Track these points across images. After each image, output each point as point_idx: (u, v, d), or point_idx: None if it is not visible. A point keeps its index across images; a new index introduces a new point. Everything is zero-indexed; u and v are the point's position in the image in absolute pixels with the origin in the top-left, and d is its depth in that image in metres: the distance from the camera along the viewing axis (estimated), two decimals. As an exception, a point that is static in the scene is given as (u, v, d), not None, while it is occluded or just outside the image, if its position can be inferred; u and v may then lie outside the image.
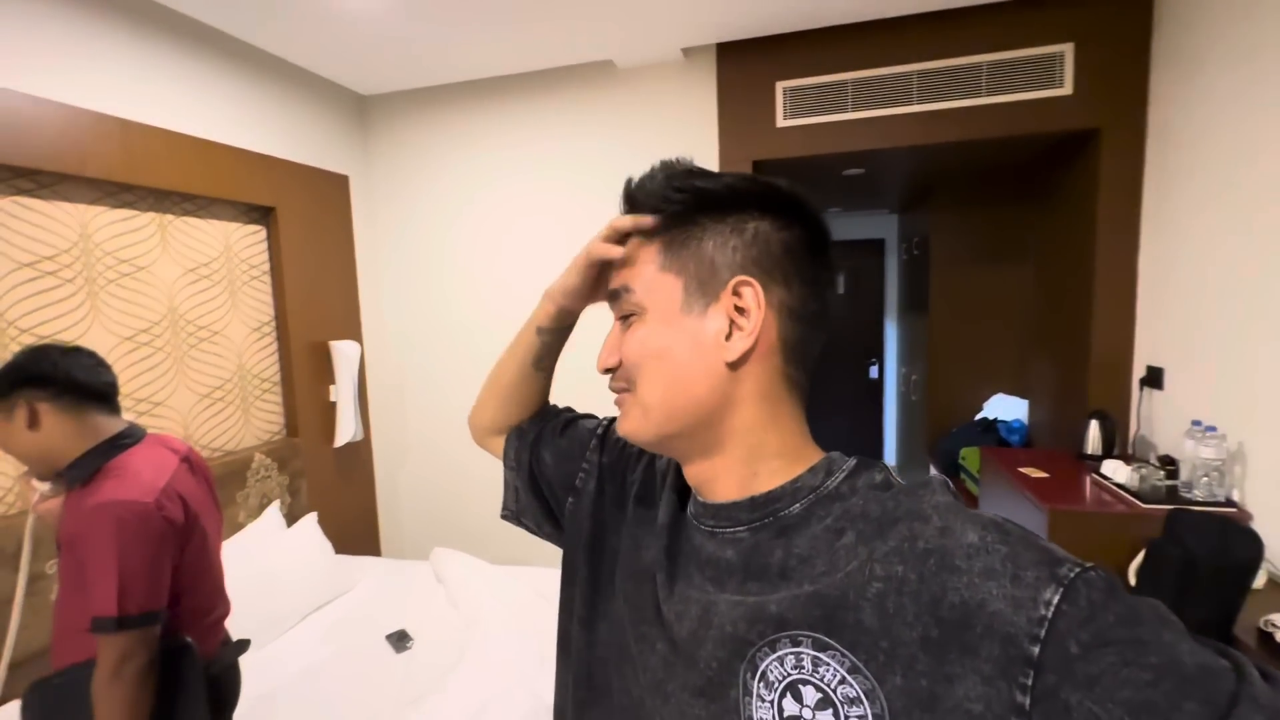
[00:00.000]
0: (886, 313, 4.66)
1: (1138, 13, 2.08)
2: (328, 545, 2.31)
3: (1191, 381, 1.90)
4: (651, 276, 0.49)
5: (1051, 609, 0.35)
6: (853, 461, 0.48)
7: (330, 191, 2.69)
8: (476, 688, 1.56)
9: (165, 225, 2.05)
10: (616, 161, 2.64)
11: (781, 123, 2.43)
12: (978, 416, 3.16)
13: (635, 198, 0.52)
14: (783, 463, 0.48)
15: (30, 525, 1.20)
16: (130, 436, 1.15)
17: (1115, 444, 2.11)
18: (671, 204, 0.49)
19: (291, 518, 2.37)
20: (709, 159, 2.52)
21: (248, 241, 2.36)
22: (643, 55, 2.51)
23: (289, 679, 1.71)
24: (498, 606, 1.91)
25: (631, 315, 0.50)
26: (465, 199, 2.86)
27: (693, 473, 0.51)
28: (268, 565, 2.01)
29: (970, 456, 2.74)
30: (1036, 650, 0.34)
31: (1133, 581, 1.64)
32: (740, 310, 0.47)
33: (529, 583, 2.13)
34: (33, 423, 1.06)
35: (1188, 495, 1.72)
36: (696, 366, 0.47)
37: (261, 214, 2.41)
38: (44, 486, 1.12)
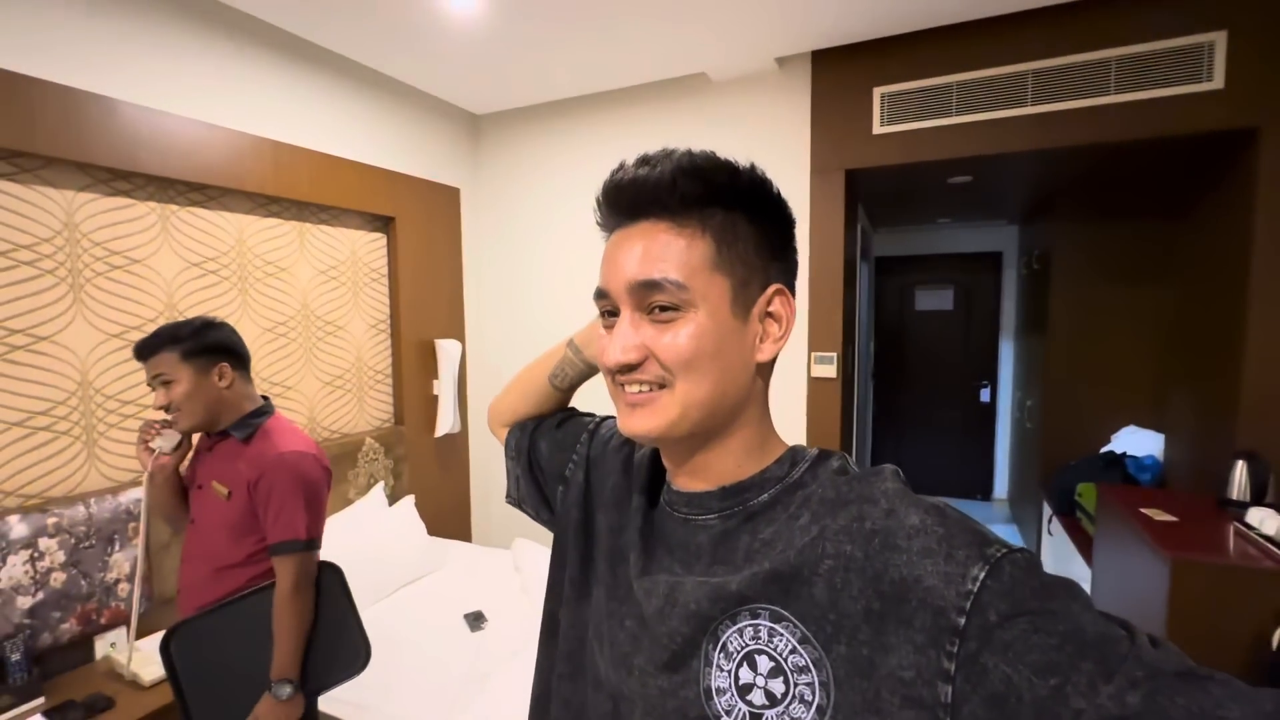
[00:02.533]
0: (1002, 331, 4.29)
1: (1312, -7, 1.80)
2: (421, 526, 2.50)
3: (1372, 422, 1.60)
4: (705, 274, 0.47)
5: (977, 584, 0.38)
6: (814, 452, 0.51)
7: (443, 202, 2.95)
8: (538, 673, 1.63)
9: (304, 232, 2.35)
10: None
11: (878, 129, 2.34)
12: (1104, 449, 2.83)
13: (666, 187, 0.47)
14: (758, 454, 0.51)
15: (147, 483, 1.37)
16: (270, 405, 1.40)
17: (1268, 490, 1.81)
18: (728, 195, 0.48)
19: (393, 498, 2.60)
20: (800, 169, 2.49)
21: (370, 247, 2.64)
22: (737, 67, 2.52)
23: (375, 644, 1.87)
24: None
25: (671, 309, 0.47)
26: (561, 211, 3.01)
27: (688, 465, 0.52)
28: (370, 538, 2.22)
29: (1088, 493, 2.47)
30: (962, 621, 0.38)
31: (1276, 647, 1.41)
32: (770, 316, 0.50)
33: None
34: (223, 381, 1.31)
35: (1358, 556, 1.45)
36: (738, 367, 0.49)
37: (383, 223, 2.69)
38: (167, 445, 1.31)
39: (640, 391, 0.49)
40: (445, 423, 2.85)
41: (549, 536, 2.52)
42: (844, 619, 0.41)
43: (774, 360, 0.51)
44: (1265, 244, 1.90)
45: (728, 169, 0.48)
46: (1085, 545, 2.41)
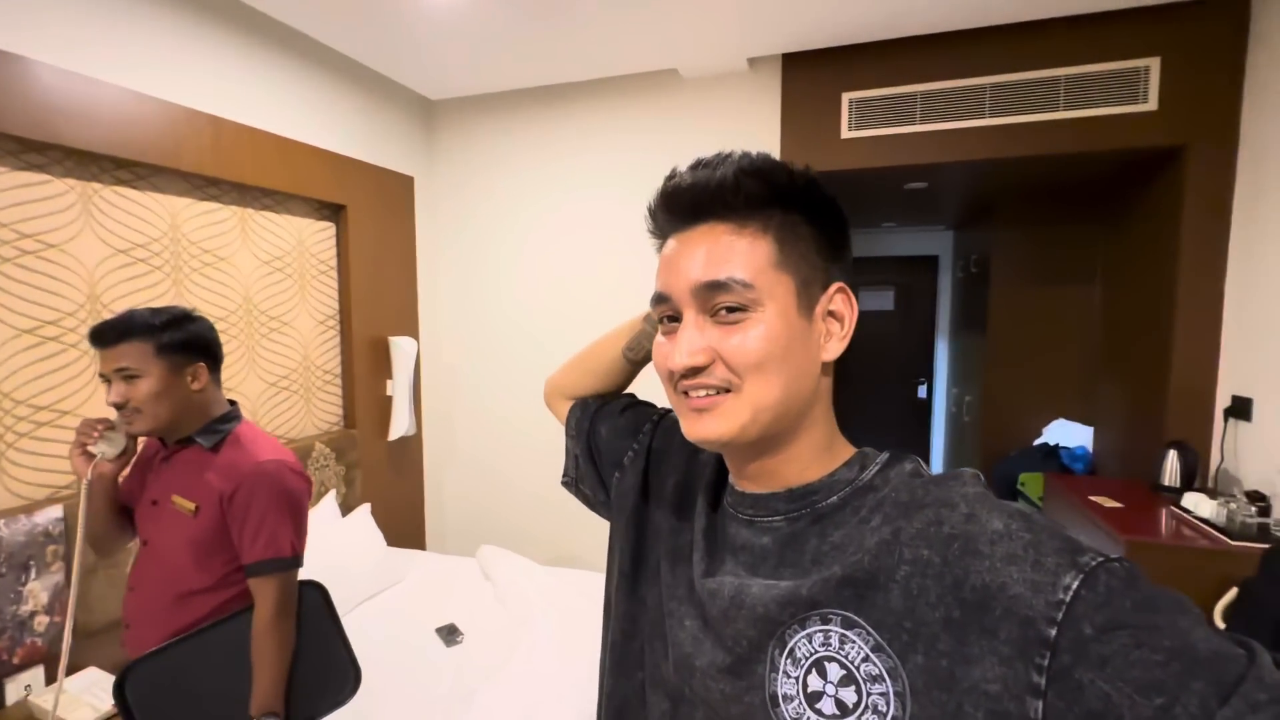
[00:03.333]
0: (938, 331, 4.55)
1: (1230, 27, 2.00)
2: (380, 536, 2.35)
3: (1285, 413, 1.79)
4: (770, 273, 0.47)
5: (1070, 593, 0.36)
6: (885, 455, 0.50)
7: (397, 192, 2.77)
8: (527, 689, 1.56)
9: (246, 219, 2.14)
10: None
11: (846, 134, 2.40)
12: (1037, 441, 3.05)
13: (731, 187, 0.48)
14: (826, 456, 0.50)
15: (85, 493, 1.16)
16: (238, 410, 1.26)
17: (1197, 476, 2.00)
18: (785, 196, 0.48)
19: (346, 507, 2.42)
20: (770, 169, 2.51)
21: (319, 237, 2.44)
22: (708, 65, 2.52)
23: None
24: (548, 609, 1.91)
25: (738, 310, 0.47)
26: (523, 204, 2.91)
27: (753, 468, 0.51)
28: (325, 552, 2.05)
29: (1031, 482, 2.64)
30: (1053, 632, 0.35)
31: (1220, 622, 1.55)
32: (832, 314, 0.49)
33: (576, 585, 2.13)
34: (196, 383, 1.16)
35: (1282, 534, 1.62)
36: (806, 367, 0.48)
37: (332, 211, 2.50)
38: (112, 450, 1.14)
39: (706, 395, 0.48)
40: (400, 425, 2.69)
41: (518, 543, 2.44)
42: (921, 627, 0.40)
43: (834, 362, 0.51)
44: (1191, 251, 2.09)
45: (785, 169, 0.49)
46: (1029, 531, 2.58)
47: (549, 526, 2.93)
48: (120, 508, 1.24)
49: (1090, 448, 2.79)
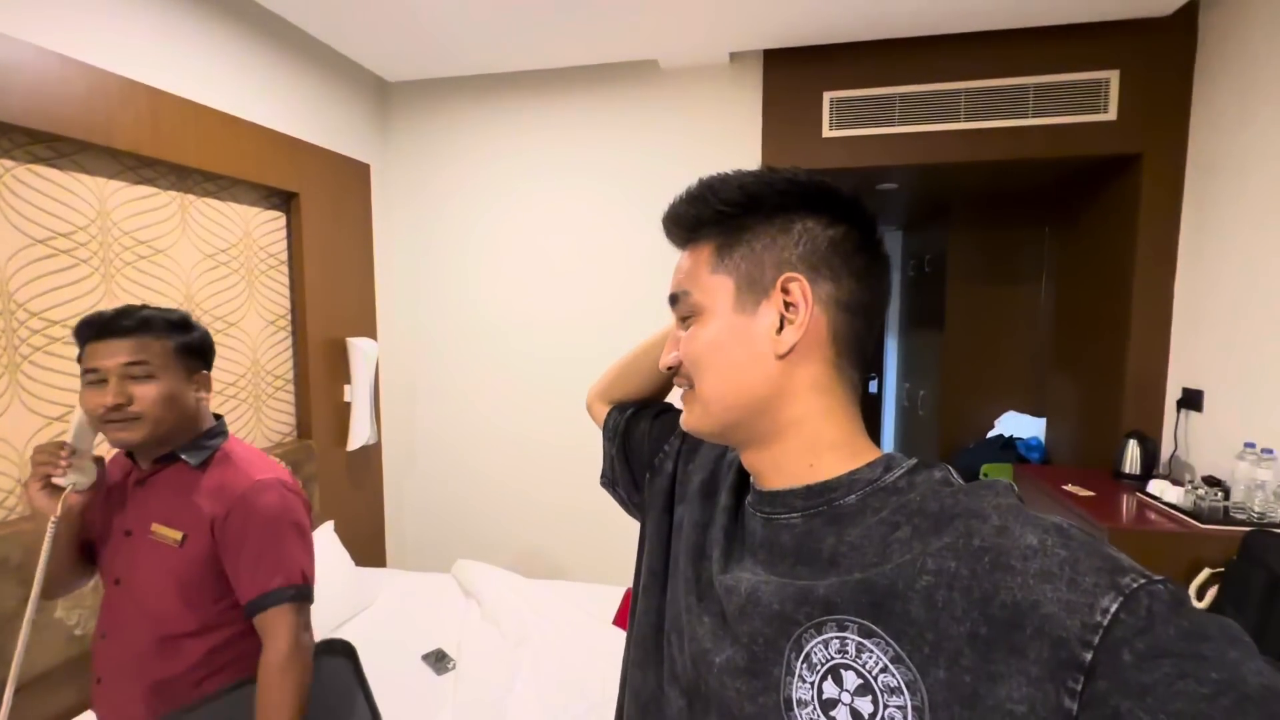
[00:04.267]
0: (888, 328, 4.71)
1: (1181, 41, 2.14)
2: (346, 556, 2.15)
3: (1236, 404, 1.94)
4: (705, 279, 0.52)
5: (1109, 616, 0.34)
6: (913, 461, 0.48)
7: (352, 180, 2.55)
8: (542, 716, 1.45)
9: (186, 206, 1.89)
10: (653, 164, 2.58)
11: (828, 133, 2.41)
12: (991, 434, 3.20)
13: (679, 217, 0.54)
14: (839, 455, 0.49)
15: (51, 531, 0.97)
16: (225, 425, 1.11)
17: (1157, 464, 2.13)
18: (718, 213, 0.51)
19: (304, 526, 2.20)
20: (750, 166, 2.48)
21: (268, 228, 2.20)
22: (689, 56, 2.46)
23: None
24: (545, 625, 1.80)
25: (690, 317, 0.53)
26: (489, 196, 2.75)
27: (752, 461, 0.53)
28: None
29: (994, 473, 2.76)
30: (1089, 656, 0.34)
31: (1196, 601, 1.65)
32: (789, 305, 0.49)
33: (570, 597, 2.03)
34: (200, 393, 1.05)
35: (1244, 516, 1.74)
36: (750, 361, 0.49)
37: (283, 199, 2.26)
38: (85, 480, 0.96)
39: (683, 393, 0.55)
40: (361, 434, 2.48)
41: (492, 553, 2.33)
42: (944, 640, 0.38)
43: (824, 352, 0.49)
44: (1146, 252, 2.24)
45: (710, 189, 0.52)
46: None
47: (518, 533, 2.80)
48: (80, 544, 1.04)
49: (1043, 438, 2.96)
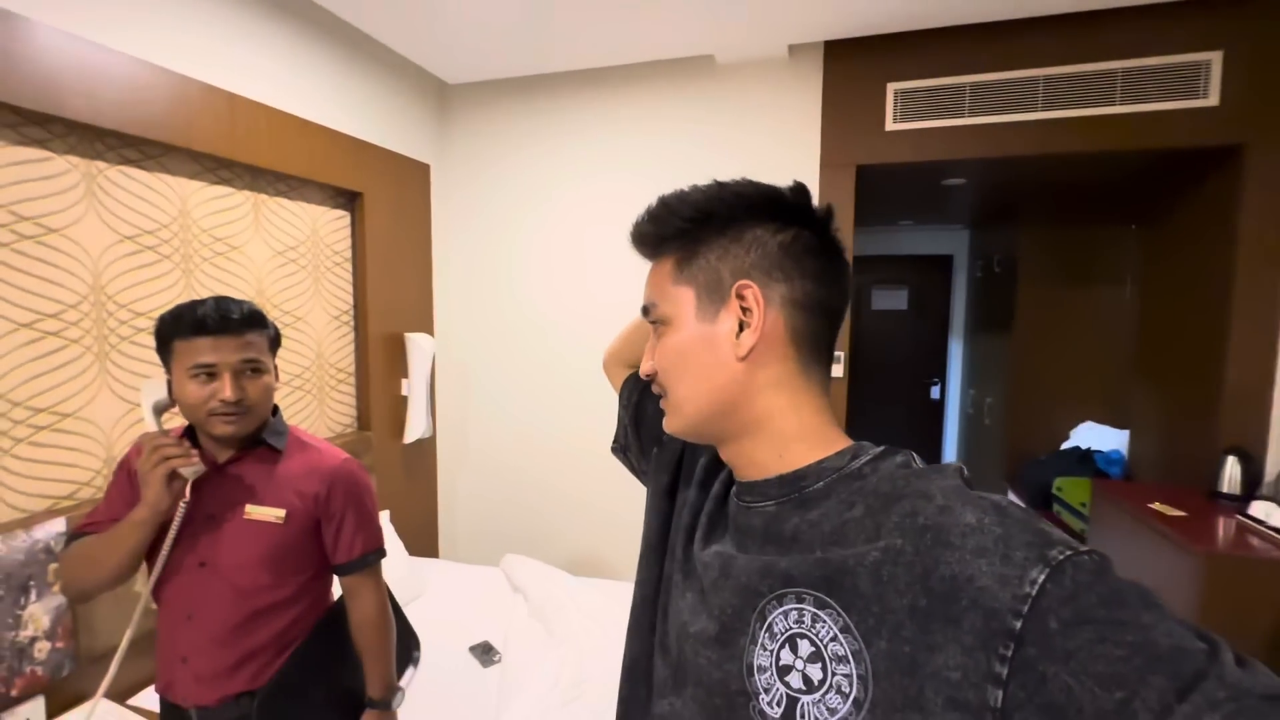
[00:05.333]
0: (952, 331, 4.50)
1: (1296, 21, 1.94)
2: (400, 545, 2.21)
3: (1357, 420, 1.74)
4: (670, 290, 0.55)
5: (1036, 587, 0.36)
6: (880, 448, 0.50)
7: (413, 180, 2.62)
8: (584, 714, 1.44)
9: (259, 205, 1.98)
10: (709, 161, 2.54)
11: (891, 126, 2.31)
12: (1065, 445, 2.99)
13: (643, 235, 0.58)
14: (807, 445, 0.52)
15: (181, 514, 1.00)
16: (279, 410, 1.17)
17: (1262, 484, 1.94)
18: (678, 229, 0.55)
19: (362, 515, 2.28)
20: (809, 162, 2.42)
21: (333, 227, 2.29)
22: (746, 51, 2.41)
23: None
24: (590, 624, 1.79)
25: (659, 325, 0.56)
26: (544, 194, 2.77)
27: (728, 456, 0.56)
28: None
29: (1070, 488, 2.58)
30: (1019, 624, 0.36)
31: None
32: (746, 310, 0.52)
33: (616, 597, 2.01)
34: (277, 380, 1.11)
35: (1366, 546, 1.56)
36: (714, 365, 0.52)
37: (348, 199, 2.35)
38: (197, 470, 0.99)
39: (662, 399, 0.58)
40: (417, 427, 2.55)
41: (541, 549, 2.33)
42: (888, 613, 0.41)
43: (783, 351, 0.52)
44: (1249, 253, 2.04)
45: (668, 207, 0.55)
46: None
47: (566, 531, 2.81)
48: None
49: (1125, 452, 2.74)
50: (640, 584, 0.64)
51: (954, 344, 4.50)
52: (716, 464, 0.62)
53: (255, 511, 1.03)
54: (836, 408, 2.45)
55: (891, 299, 4.58)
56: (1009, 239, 3.36)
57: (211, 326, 0.98)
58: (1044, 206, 3.11)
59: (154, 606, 1.07)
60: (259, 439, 1.07)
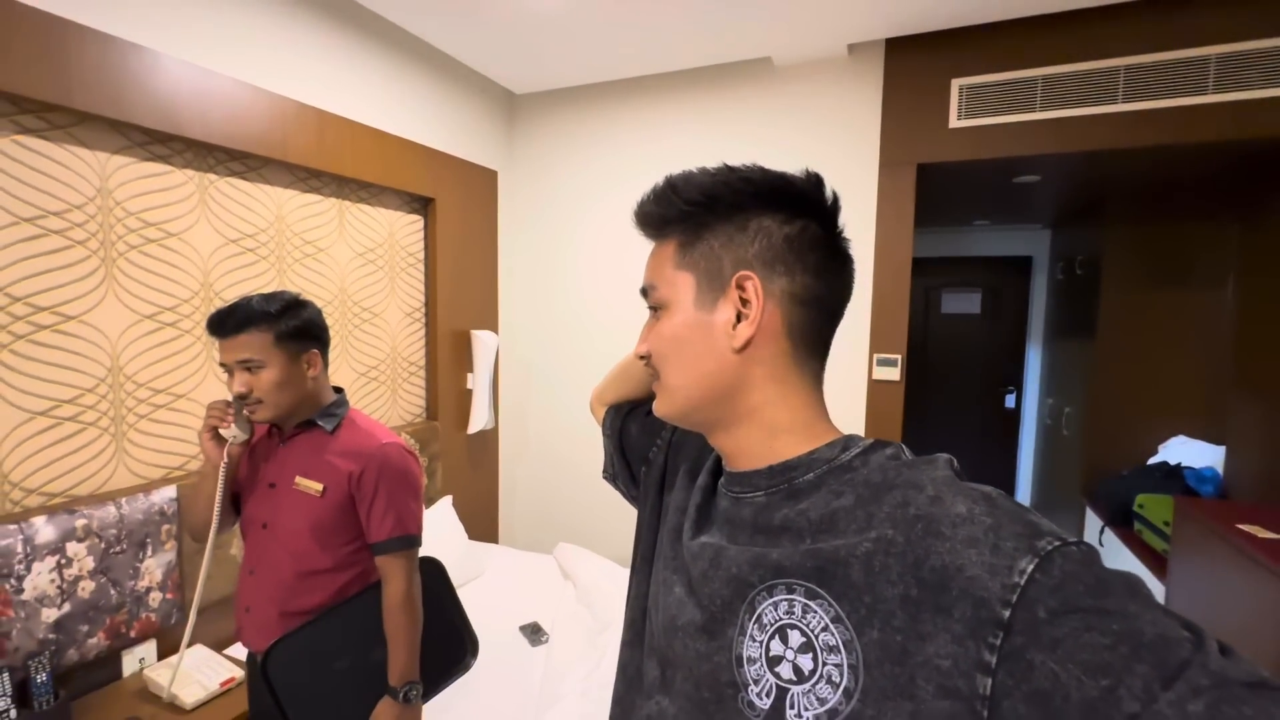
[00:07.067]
0: (1029, 337, 4.25)
1: None
2: (461, 529, 2.35)
3: None
4: (669, 275, 0.55)
5: (1025, 576, 0.37)
6: (870, 440, 0.50)
7: (481, 186, 2.78)
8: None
9: (343, 211, 2.18)
10: (764, 161, 2.52)
11: (955, 123, 2.24)
12: (1153, 460, 2.78)
13: (647, 215, 0.56)
14: (798, 437, 0.52)
15: (222, 476, 1.17)
16: (345, 396, 1.27)
17: (1373, 507, 1.75)
18: (682, 212, 0.54)
19: (428, 500, 2.44)
20: (869, 162, 2.38)
21: (408, 230, 2.47)
22: (805, 52, 2.40)
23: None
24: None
25: (657, 308, 0.56)
26: (602, 199, 2.87)
27: (719, 444, 0.56)
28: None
29: (1152, 505, 2.40)
30: (1007, 614, 0.37)
31: None
32: (745, 301, 0.51)
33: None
34: (312, 370, 1.18)
35: None
36: (709, 353, 0.52)
37: (421, 204, 2.52)
38: (242, 434, 1.15)
39: (655, 381, 0.57)
40: (480, 419, 2.70)
41: (592, 540, 2.40)
42: (879, 603, 0.41)
43: (780, 344, 0.52)
44: (1366, 253, 1.84)
45: (673, 188, 0.54)
46: (1149, 558, 2.35)
47: (616, 524, 2.89)
48: (231, 494, 1.25)
49: (1220, 470, 2.52)
50: (635, 597, 0.63)
51: (1032, 350, 4.25)
52: (698, 464, 0.63)
53: (301, 483, 1.16)
54: (892, 413, 2.40)
55: (963, 302, 4.38)
56: (1093, 239, 3.15)
57: (214, 331, 1.12)
58: (1131, 204, 2.91)
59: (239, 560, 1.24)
60: (311, 421, 1.19)
